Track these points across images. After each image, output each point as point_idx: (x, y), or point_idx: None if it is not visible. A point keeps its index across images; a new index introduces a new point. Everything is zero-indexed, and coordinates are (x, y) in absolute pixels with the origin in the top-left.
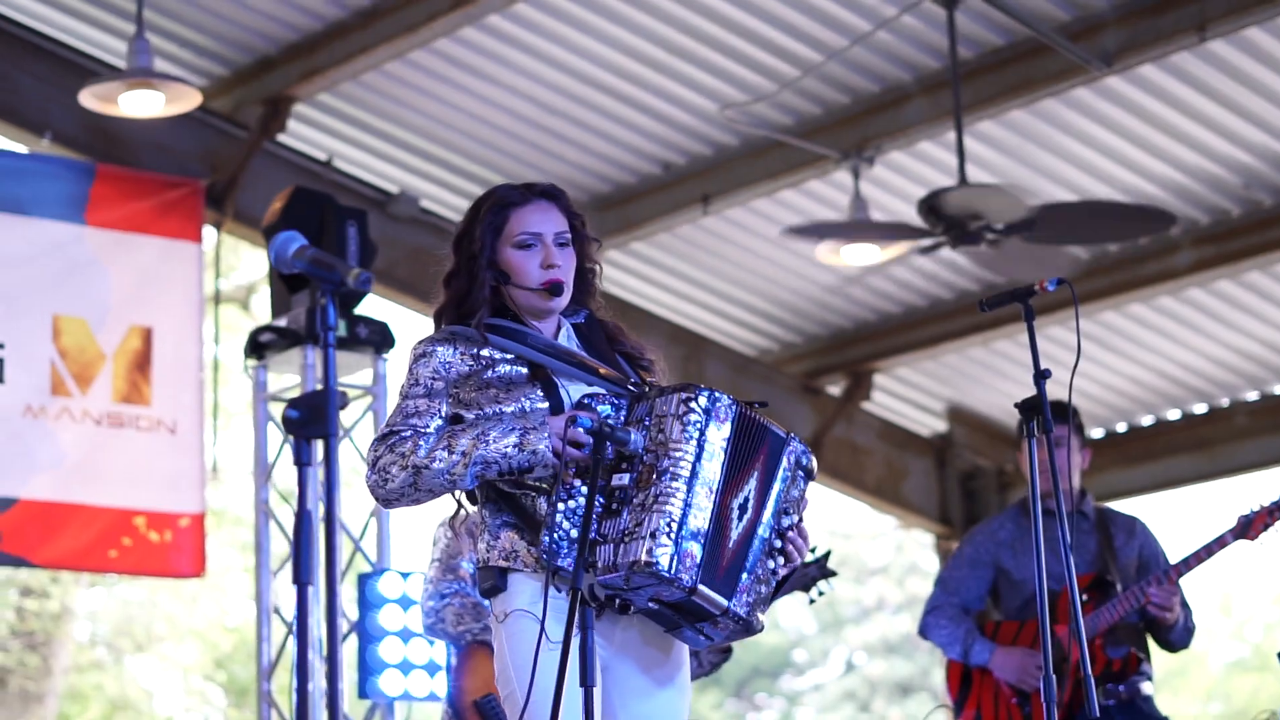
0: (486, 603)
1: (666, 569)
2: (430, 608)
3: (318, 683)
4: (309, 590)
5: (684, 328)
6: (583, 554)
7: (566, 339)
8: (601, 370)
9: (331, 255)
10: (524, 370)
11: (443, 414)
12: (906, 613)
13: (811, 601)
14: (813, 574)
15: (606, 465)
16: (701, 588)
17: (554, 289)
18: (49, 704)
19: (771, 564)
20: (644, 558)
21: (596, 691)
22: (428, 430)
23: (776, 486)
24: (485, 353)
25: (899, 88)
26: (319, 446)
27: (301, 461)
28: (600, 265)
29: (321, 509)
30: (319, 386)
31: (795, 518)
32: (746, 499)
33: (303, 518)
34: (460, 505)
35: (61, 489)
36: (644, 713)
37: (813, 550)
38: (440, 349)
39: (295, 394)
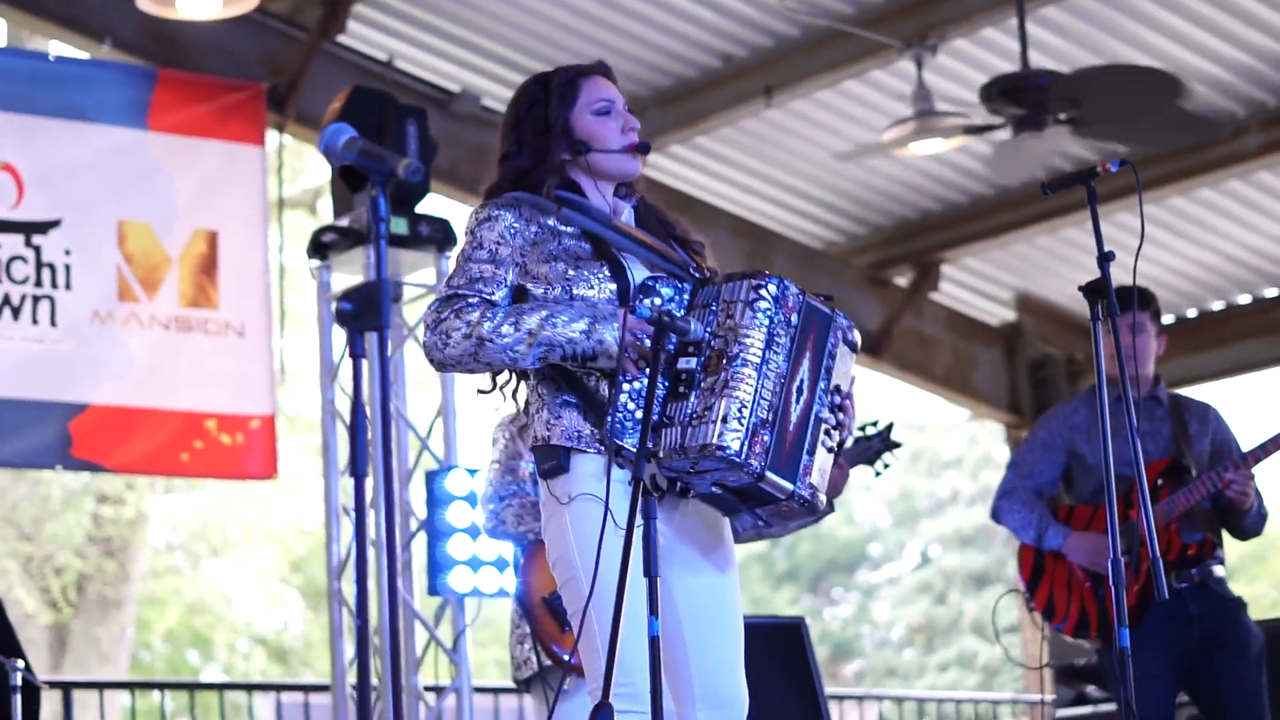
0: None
1: (737, 453)
2: (491, 510)
3: (384, 579)
4: (366, 482)
5: (749, 221)
6: (644, 443)
7: (628, 220)
8: (668, 254)
9: (381, 148)
10: (587, 246)
11: (508, 283)
12: (980, 505)
13: (877, 474)
14: (876, 446)
15: (673, 348)
16: (769, 473)
17: (641, 147)
18: (127, 610)
19: (829, 441)
20: (714, 441)
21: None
22: (493, 298)
23: (827, 364)
24: (550, 222)
25: None
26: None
27: (356, 353)
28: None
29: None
30: (397, 285)
31: (845, 391)
32: (803, 381)
33: (357, 409)
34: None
35: (132, 394)
36: (701, 591)
37: (874, 423)
38: (505, 213)
39: None
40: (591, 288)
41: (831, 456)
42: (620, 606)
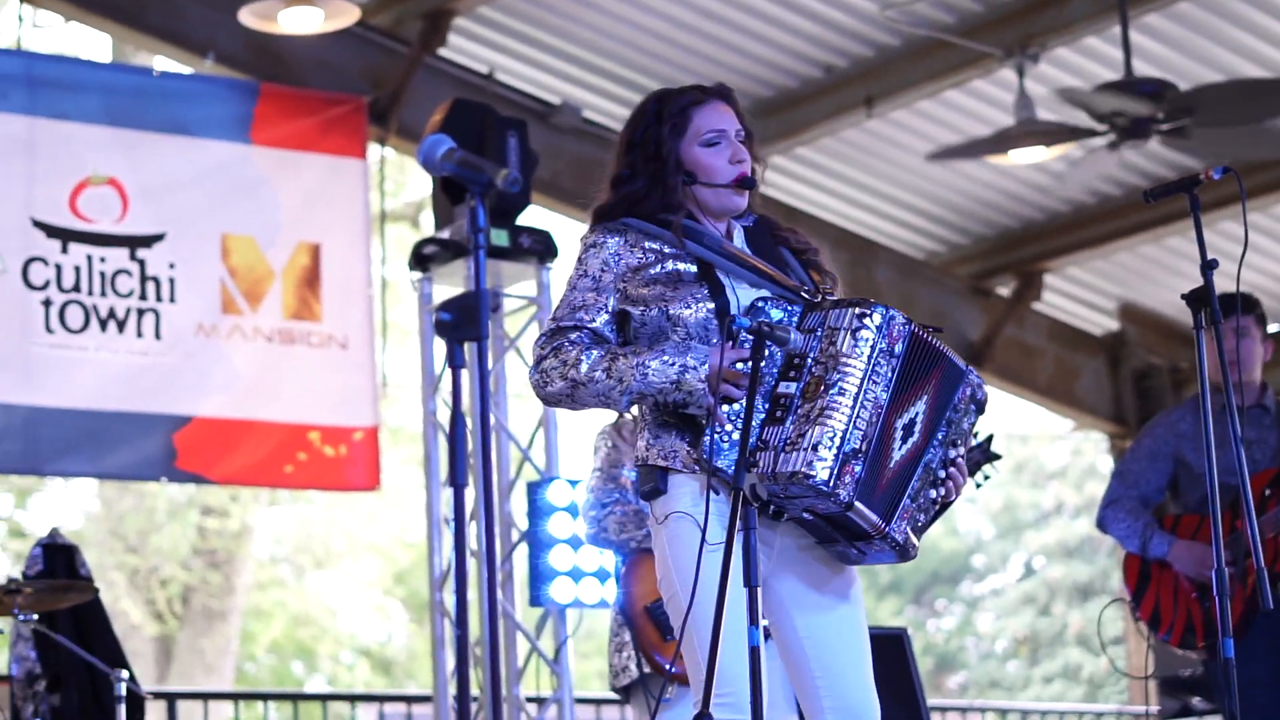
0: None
1: (825, 482)
2: (592, 517)
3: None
4: (465, 493)
5: (851, 232)
6: (744, 453)
7: (741, 243)
8: (778, 278)
9: (480, 158)
10: (693, 269)
11: (609, 308)
12: (1085, 516)
13: (977, 485)
14: (976, 458)
15: (776, 371)
16: (858, 504)
17: (745, 183)
18: (232, 621)
19: (933, 493)
20: (803, 469)
21: (760, 593)
22: (594, 324)
23: (950, 415)
24: (653, 245)
25: None
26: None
27: (455, 364)
28: (764, 164)
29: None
30: (495, 295)
31: (961, 450)
32: (913, 421)
33: (456, 420)
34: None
35: (235, 406)
36: (820, 604)
37: (975, 434)
38: (611, 239)
39: None
40: (689, 308)
41: (933, 508)
42: (720, 616)
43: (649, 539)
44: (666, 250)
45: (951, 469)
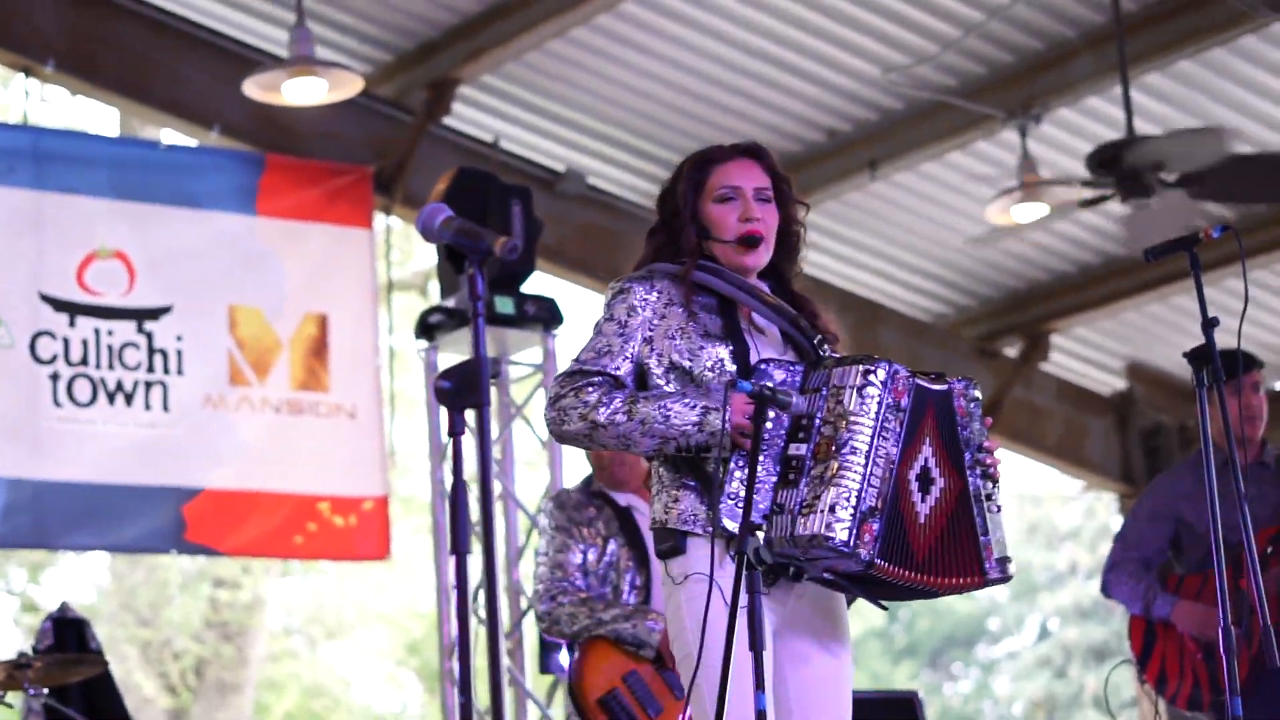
0: (661, 563)
1: (845, 543)
2: (544, 610)
3: (501, 661)
4: (467, 559)
5: (857, 295)
6: (747, 518)
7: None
8: (796, 320)
9: (479, 226)
10: (719, 320)
11: (632, 356)
12: (1098, 577)
13: None
14: None
15: (785, 433)
16: (879, 561)
17: (749, 240)
18: (246, 693)
19: (993, 506)
20: (822, 531)
21: (767, 655)
22: (618, 372)
23: (964, 435)
24: (680, 297)
25: (1063, 44)
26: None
27: (455, 431)
28: (804, 229)
29: (497, 485)
30: (495, 363)
31: (986, 446)
32: (926, 467)
33: (458, 486)
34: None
35: (244, 477)
36: (815, 678)
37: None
38: (637, 286)
39: None
40: (710, 369)
41: (1001, 517)
42: (726, 679)
43: (599, 626)
44: (694, 306)
45: (988, 467)
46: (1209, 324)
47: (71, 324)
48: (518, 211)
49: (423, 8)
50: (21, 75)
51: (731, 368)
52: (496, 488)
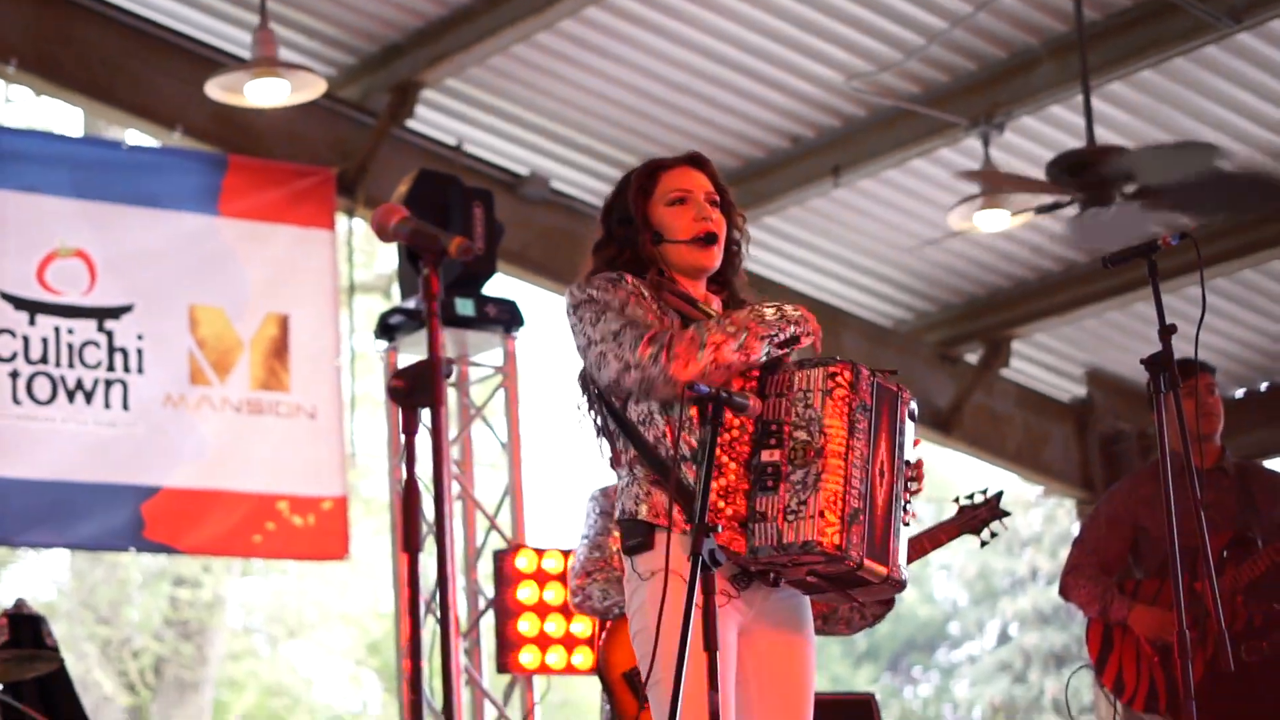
0: (627, 559)
1: (838, 547)
2: (577, 585)
3: (455, 659)
4: (419, 557)
5: (819, 300)
6: (702, 519)
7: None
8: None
9: (436, 227)
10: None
11: (655, 311)
12: (1059, 583)
13: (983, 544)
14: (983, 515)
15: (754, 439)
16: (867, 561)
17: (707, 238)
18: (205, 692)
19: (907, 517)
20: (814, 538)
21: (730, 653)
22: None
23: (900, 440)
24: (647, 295)
25: (1026, 52)
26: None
27: (408, 430)
28: (747, 237)
29: (456, 486)
30: (449, 362)
31: (914, 460)
32: (883, 463)
33: (410, 485)
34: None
35: (204, 476)
36: (780, 675)
37: (983, 491)
38: (626, 280)
39: None
40: None
41: (909, 531)
42: (680, 678)
43: None
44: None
45: (912, 482)
46: (1166, 330)
47: (31, 322)
48: (479, 214)
49: (386, 11)
50: None
51: None
52: (455, 488)
